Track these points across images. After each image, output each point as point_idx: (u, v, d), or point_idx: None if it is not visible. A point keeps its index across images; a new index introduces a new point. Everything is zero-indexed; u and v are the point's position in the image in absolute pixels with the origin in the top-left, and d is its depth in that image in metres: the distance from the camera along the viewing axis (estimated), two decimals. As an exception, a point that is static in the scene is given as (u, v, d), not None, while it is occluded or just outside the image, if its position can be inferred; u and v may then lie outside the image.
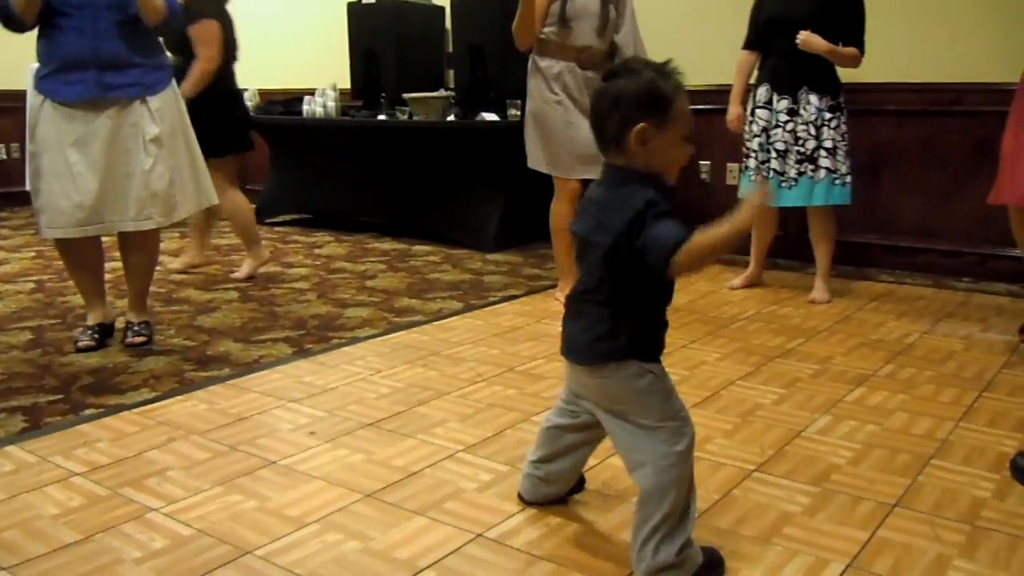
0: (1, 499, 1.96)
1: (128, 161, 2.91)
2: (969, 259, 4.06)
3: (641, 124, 1.46)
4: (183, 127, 3.07)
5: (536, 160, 3.68)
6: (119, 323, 3.25)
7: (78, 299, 3.78)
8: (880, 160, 4.25)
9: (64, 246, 3.06)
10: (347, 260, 4.69)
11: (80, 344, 3.06)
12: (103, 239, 3.15)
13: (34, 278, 4.25)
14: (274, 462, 2.15)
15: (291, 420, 2.42)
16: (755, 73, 3.81)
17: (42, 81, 2.90)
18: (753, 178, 3.74)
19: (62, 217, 2.88)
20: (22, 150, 6.14)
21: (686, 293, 3.88)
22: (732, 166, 4.59)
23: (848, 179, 3.63)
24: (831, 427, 2.35)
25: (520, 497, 1.92)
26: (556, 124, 3.53)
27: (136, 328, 3.15)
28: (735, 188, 4.30)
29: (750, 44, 3.81)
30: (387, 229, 5.52)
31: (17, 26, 2.86)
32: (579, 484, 1.94)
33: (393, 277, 4.26)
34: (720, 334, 3.24)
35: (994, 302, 3.72)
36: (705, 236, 1.41)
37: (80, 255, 3.08)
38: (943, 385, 2.68)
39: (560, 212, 3.68)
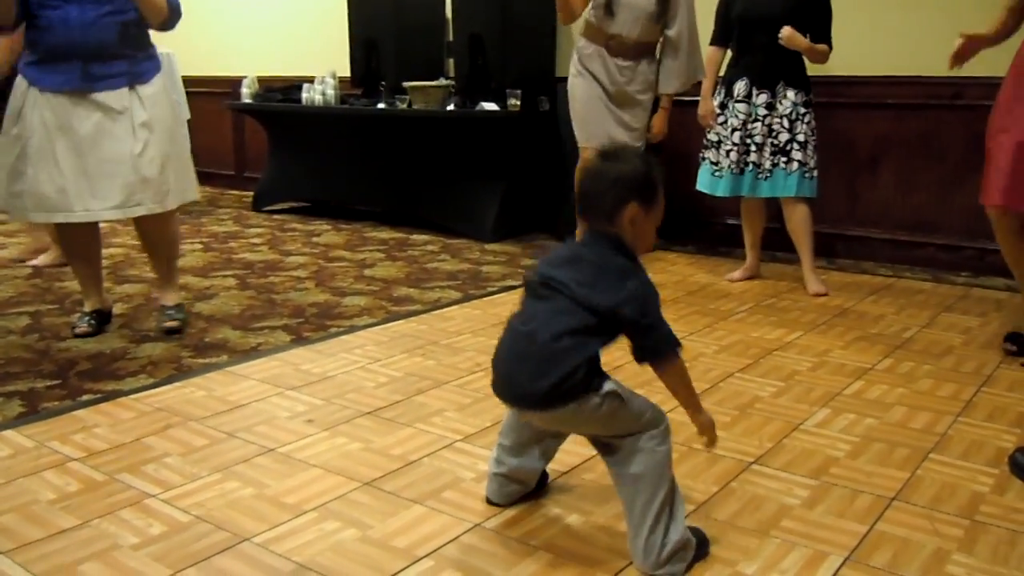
0: (-2, 484, 1.96)
1: (115, 147, 2.88)
2: (967, 253, 4.06)
3: (634, 205, 1.58)
4: (173, 116, 3.05)
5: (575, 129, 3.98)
6: (117, 309, 3.24)
7: (75, 285, 3.77)
8: (880, 153, 4.25)
9: (63, 233, 3.06)
10: (345, 249, 4.68)
11: (77, 330, 3.05)
12: (101, 226, 3.14)
13: (31, 263, 4.23)
14: (272, 449, 2.14)
15: (289, 408, 2.42)
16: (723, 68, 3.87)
17: (28, 68, 2.88)
18: (732, 170, 3.79)
19: (46, 201, 2.86)
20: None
21: (684, 286, 3.87)
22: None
23: (815, 173, 3.73)
24: (830, 420, 2.35)
25: (488, 501, 1.88)
26: (579, 96, 3.87)
27: (170, 312, 3.14)
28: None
29: (718, 40, 3.87)
30: (385, 218, 5.50)
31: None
32: (543, 480, 1.92)
33: (391, 266, 4.25)
34: (719, 326, 3.24)
35: (993, 296, 3.72)
36: (690, 389, 1.64)
37: (78, 243, 3.07)
38: (942, 379, 2.68)
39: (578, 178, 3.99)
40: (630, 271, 1.57)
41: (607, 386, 1.55)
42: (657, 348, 1.56)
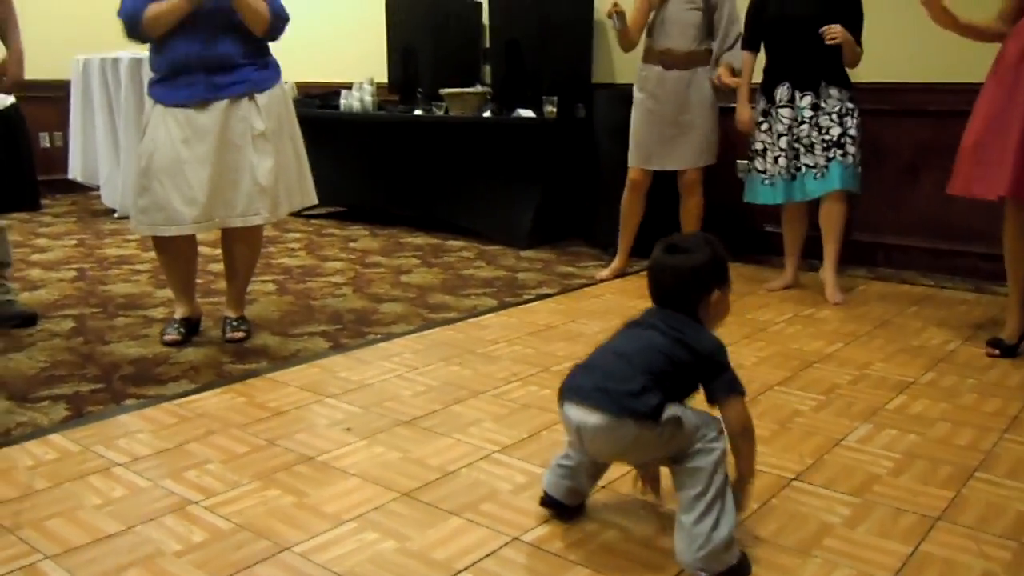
0: (45, 487, 1.99)
1: (237, 157, 2.95)
2: (1013, 265, 3.98)
3: (716, 291, 1.72)
4: (290, 124, 3.10)
5: None
6: (157, 314, 3.28)
7: (119, 288, 3.84)
8: (921, 161, 4.18)
9: (162, 240, 3.06)
10: (382, 254, 4.71)
11: (167, 337, 3.06)
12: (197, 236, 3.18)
13: (75, 266, 4.31)
14: (311, 458, 2.16)
15: (328, 415, 2.44)
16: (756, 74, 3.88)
17: (153, 87, 2.98)
18: (783, 176, 3.76)
19: (176, 215, 2.92)
20: (64, 139, 6.24)
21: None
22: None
23: (859, 170, 3.73)
24: (871, 436, 2.32)
25: (545, 497, 1.86)
26: (633, 118, 4.08)
27: (235, 323, 3.16)
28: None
29: (750, 44, 3.86)
30: (421, 223, 5.53)
31: (141, 39, 2.94)
32: (581, 504, 1.90)
33: (427, 272, 4.27)
34: (758, 337, 3.21)
35: (1038, 310, 3.63)
36: (751, 447, 1.73)
37: (178, 249, 3.09)
38: (986, 394, 2.63)
39: (624, 199, 4.20)
40: (712, 336, 1.73)
41: (668, 412, 1.60)
42: (718, 389, 1.68)
